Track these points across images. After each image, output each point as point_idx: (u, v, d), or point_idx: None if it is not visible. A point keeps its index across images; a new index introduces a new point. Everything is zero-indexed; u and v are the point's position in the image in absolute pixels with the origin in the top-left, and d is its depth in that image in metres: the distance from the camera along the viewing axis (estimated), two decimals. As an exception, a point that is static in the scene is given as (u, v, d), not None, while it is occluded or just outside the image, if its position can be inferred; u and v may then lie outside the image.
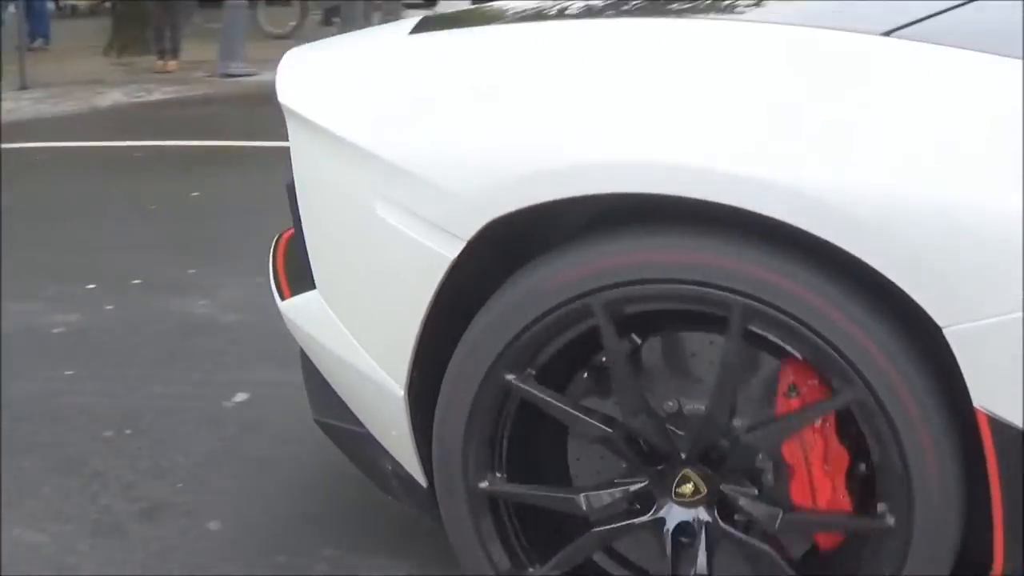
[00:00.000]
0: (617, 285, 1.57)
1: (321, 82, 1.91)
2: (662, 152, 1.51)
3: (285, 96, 1.87)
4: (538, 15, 2.00)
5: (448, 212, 1.62)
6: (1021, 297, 1.37)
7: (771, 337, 1.57)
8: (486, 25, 1.99)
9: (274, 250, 2.19)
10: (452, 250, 1.63)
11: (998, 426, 1.44)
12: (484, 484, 1.75)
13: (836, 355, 1.49)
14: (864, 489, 1.64)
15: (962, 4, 1.67)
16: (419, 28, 2.01)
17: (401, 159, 1.66)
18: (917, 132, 1.44)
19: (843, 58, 1.54)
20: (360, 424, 1.92)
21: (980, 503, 1.52)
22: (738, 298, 1.52)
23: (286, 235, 2.18)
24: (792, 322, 1.50)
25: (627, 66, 1.66)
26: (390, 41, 2.04)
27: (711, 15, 1.94)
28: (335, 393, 1.98)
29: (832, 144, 1.46)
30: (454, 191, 1.61)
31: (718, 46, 1.67)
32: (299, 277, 1.98)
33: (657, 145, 1.52)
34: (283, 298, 1.98)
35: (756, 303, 1.51)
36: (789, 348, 1.58)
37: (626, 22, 1.87)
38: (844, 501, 1.64)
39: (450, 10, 3.01)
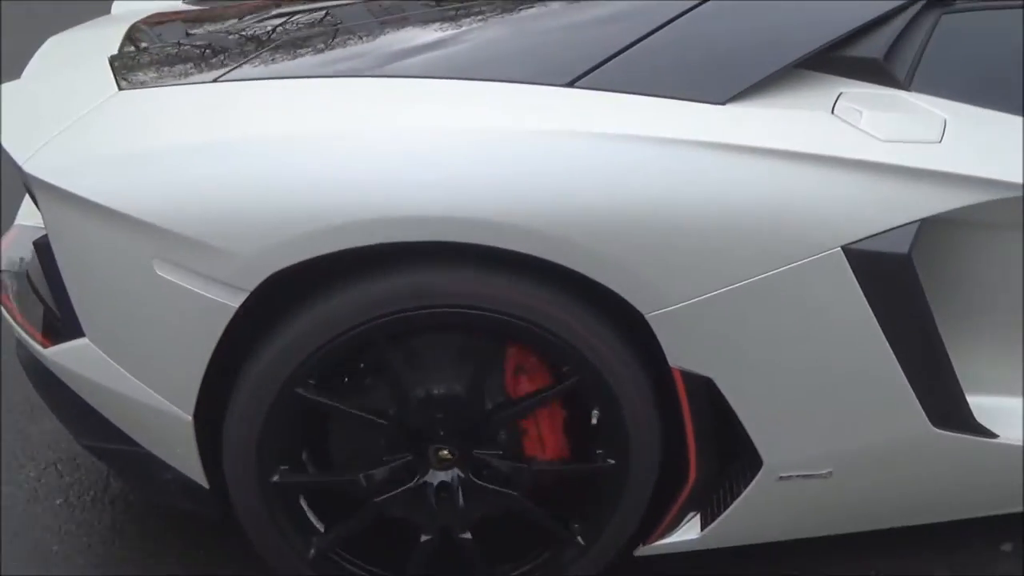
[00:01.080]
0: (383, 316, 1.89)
1: (75, 155, 1.93)
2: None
3: (36, 170, 1.92)
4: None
5: (231, 270, 1.84)
6: (691, 291, 1.86)
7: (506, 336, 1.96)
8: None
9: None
10: (236, 300, 1.86)
11: (689, 377, 1.95)
12: (275, 478, 2.04)
13: (568, 347, 1.92)
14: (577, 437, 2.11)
15: None
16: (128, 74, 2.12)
17: (178, 226, 1.84)
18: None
19: None
20: (132, 443, 2.10)
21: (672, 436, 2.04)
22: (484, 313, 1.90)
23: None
24: (531, 327, 1.91)
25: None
26: (121, 103, 2.06)
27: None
28: (95, 419, 2.14)
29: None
30: (234, 252, 1.83)
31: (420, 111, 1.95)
32: (47, 325, 2.11)
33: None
34: (44, 347, 2.08)
35: (500, 315, 1.90)
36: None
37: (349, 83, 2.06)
38: (565, 450, 2.10)
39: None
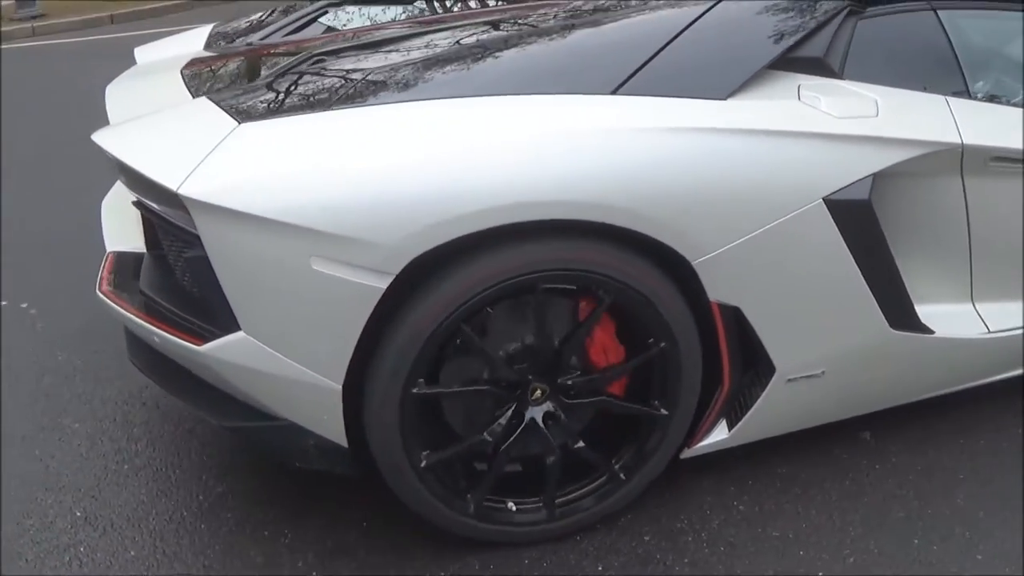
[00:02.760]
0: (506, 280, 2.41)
1: (225, 178, 2.30)
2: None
3: (192, 193, 2.32)
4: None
5: (379, 258, 2.30)
6: (721, 241, 2.47)
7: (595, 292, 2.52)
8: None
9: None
10: (384, 283, 2.32)
11: (723, 307, 2.56)
12: (424, 457, 2.55)
13: (638, 293, 2.49)
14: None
15: None
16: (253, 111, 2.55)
17: (333, 227, 2.29)
18: None
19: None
20: (273, 419, 2.52)
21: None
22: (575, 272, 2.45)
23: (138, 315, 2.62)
24: (609, 281, 2.47)
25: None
26: (274, 130, 2.45)
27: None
28: (234, 403, 2.56)
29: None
30: (381, 242, 2.30)
31: (511, 122, 2.47)
32: (184, 329, 2.51)
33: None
34: (197, 346, 2.47)
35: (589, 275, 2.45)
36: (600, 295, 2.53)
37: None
38: (622, 384, 2.68)
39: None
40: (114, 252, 2.87)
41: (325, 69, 2.83)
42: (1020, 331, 2.92)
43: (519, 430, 2.60)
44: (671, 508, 2.80)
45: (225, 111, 2.55)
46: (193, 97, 2.83)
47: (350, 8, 3.66)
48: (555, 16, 3.05)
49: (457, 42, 2.92)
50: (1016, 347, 2.94)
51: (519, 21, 3.12)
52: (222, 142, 2.41)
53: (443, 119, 2.46)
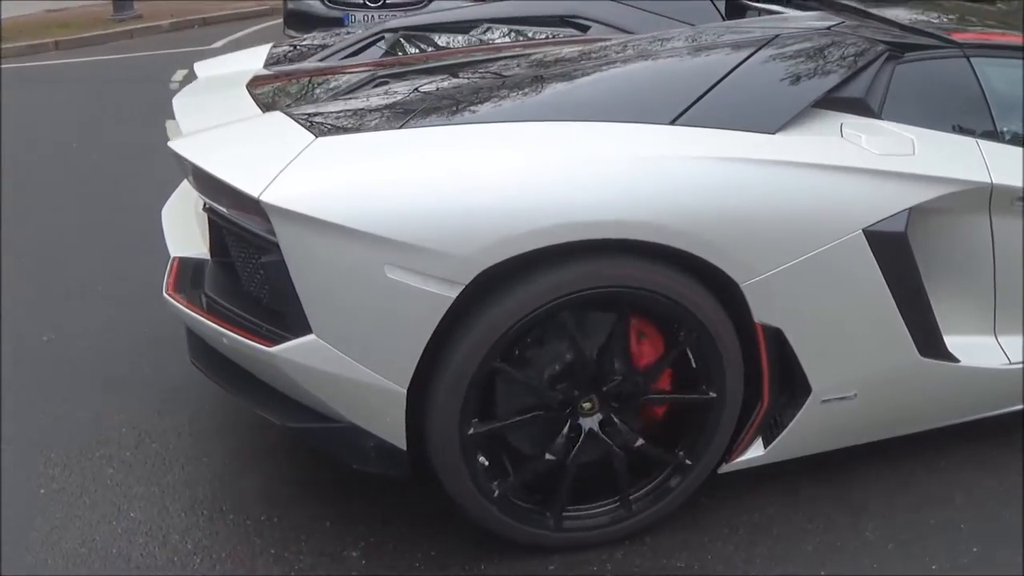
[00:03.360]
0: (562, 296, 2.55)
1: (306, 188, 2.45)
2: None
3: (273, 199, 2.45)
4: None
5: (450, 268, 2.44)
6: (768, 266, 2.62)
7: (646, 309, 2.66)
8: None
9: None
10: (454, 292, 2.46)
11: (766, 328, 2.71)
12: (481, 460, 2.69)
13: (688, 313, 2.63)
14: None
15: None
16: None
17: (408, 237, 2.42)
18: None
19: None
20: (334, 421, 2.63)
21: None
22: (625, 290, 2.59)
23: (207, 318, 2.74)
24: (659, 298, 2.61)
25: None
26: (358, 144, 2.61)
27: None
28: (296, 405, 2.68)
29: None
30: (453, 253, 2.43)
31: (580, 146, 2.63)
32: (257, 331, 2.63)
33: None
34: (268, 347, 2.58)
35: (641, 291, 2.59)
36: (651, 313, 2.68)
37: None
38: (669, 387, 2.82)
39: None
40: (178, 257, 3.00)
41: (395, 90, 2.97)
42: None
43: (579, 440, 2.75)
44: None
45: (301, 125, 2.69)
46: (263, 112, 2.96)
47: (408, 34, 3.82)
48: (612, 50, 3.23)
49: (524, 69, 3.08)
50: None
51: (573, 53, 3.29)
52: (301, 153, 2.54)
53: (515, 140, 2.61)
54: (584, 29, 3.85)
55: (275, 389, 2.73)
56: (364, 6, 8.95)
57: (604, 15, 3.83)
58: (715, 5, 3.89)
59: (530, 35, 3.86)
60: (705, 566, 2.76)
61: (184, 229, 3.15)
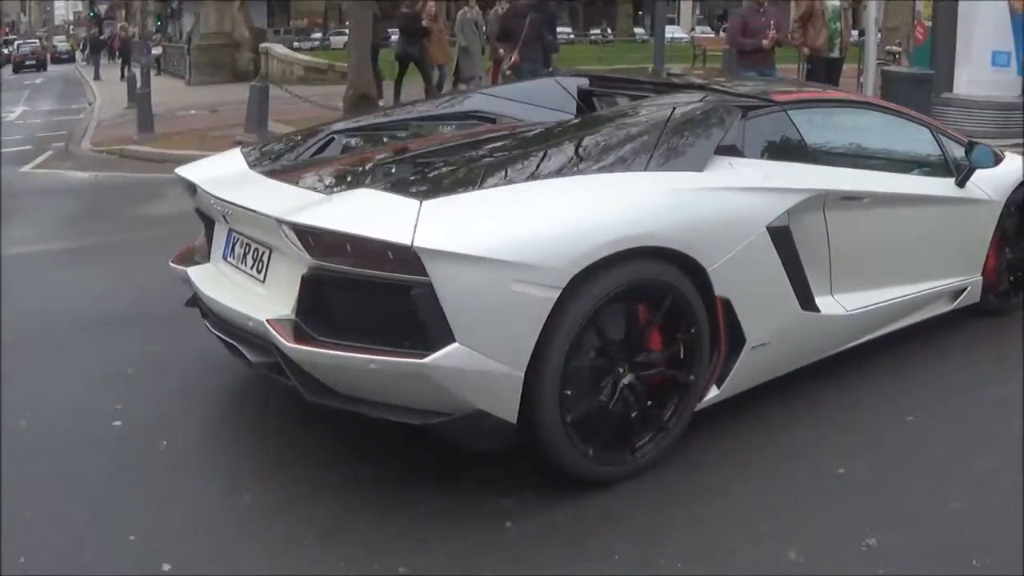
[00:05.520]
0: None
1: (444, 235, 3.36)
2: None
3: (424, 243, 3.33)
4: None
5: (553, 278, 3.46)
6: (721, 256, 3.90)
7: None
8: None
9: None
10: (555, 294, 3.48)
11: (722, 300, 3.97)
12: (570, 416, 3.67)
13: (680, 294, 3.84)
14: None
15: None
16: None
17: (526, 259, 3.42)
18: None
19: None
20: (461, 411, 3.48)
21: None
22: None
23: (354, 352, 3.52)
24: (661, 283, 3.80)
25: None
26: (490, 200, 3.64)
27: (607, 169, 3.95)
28: (414, 409, 3.55)
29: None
30: (554, 267, 3.46)
31: (610, 188, 3.79)
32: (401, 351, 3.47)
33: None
34: (421, 360, 3.41)
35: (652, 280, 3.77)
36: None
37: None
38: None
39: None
40: (269, 319, 3.69)
41: (437, 165, 3.96)
42: (862, 310, 4.62)
43: (619, 390, 3.83)
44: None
45: (399, 195, 3.60)
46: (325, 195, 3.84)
47: (354, 134, 4.74)
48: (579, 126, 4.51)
49: (524, 144, 4.20)
50: (864, 320, 4.65)
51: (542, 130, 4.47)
52: (420, 212, 3.46)
53: (563, 189, 3.74)
54: (492, 121, 4.98)
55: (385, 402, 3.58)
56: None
57: (497, 109, 5.00)
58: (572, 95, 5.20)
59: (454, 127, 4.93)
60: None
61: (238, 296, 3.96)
